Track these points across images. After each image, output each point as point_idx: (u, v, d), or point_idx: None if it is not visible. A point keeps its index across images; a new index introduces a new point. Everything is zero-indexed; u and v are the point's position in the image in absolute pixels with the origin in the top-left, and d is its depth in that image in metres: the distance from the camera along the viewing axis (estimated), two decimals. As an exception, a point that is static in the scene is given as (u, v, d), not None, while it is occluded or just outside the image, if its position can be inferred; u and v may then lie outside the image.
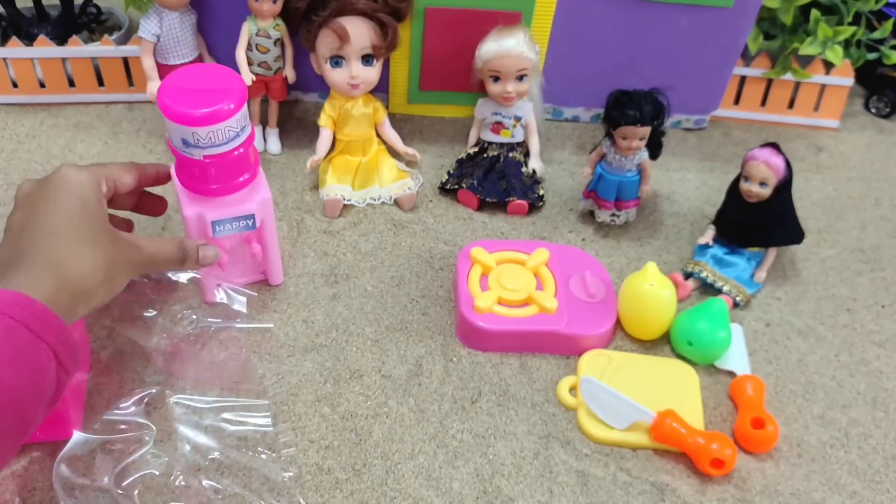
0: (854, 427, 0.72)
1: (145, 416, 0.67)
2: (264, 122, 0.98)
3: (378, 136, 0.94)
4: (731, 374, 0.76)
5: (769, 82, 1.06)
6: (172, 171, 0.72)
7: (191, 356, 0.72)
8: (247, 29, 0.90)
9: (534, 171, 0.93)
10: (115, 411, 0.67)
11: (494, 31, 0.88)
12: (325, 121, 0.91)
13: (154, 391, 0.69)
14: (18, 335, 0.50)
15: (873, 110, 1.13)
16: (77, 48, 0.99)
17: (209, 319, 0.74)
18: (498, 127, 0.92)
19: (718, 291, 0.83)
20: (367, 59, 0.88)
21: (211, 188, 0.70)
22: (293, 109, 1.05)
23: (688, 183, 0.99)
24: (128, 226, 0.74)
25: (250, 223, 0.73)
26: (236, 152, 0.69)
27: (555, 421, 0.71)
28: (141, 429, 0.66)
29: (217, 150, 0.67)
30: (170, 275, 0.75)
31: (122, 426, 0.66)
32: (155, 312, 0.73)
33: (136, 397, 0.68)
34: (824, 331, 0.81)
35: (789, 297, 0.85)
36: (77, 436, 0.65)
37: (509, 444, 0.69)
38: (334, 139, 0.92)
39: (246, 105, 0.68)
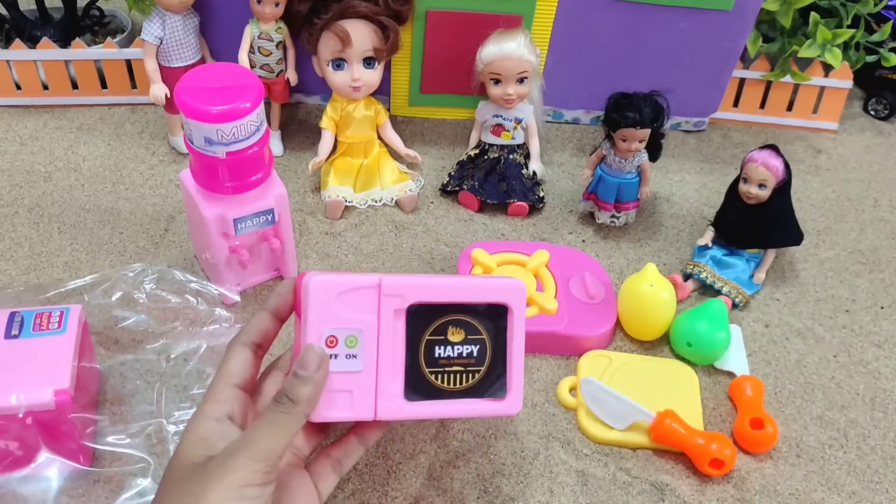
0: (853, 427, 0.73)
1: (144, 448, 0.65)
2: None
3: (379, 138, 0.95)
4: (731, 374, 0.76)
5: (768, 85, 1.06)
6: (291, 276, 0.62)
7: (196, 393, 0.70)
8: (249, 32, 0.91)
9: (534, 173, 0.93)
10: (112, 440, 0.66)
11: (495, 33, 0.88)
12: (326, 123, 0.91)
13: (153, 423, 0.67)
14: None
15: (872, 112, 1.14)
16: (80, 51, 1.00)
17: (198, 342, 0.73)
18: (498, 129, 0.93)
19: (718, 292, 0.83)
20: (368, 62, 0.89)
21: (233, 186, 0.71)
22: (295, 112, 1.05)
23: (687, 185, 0.99)
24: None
25: (270, 218, 0.75)
26: (256, 147, 0.70)
27: (555, 421, 0.71)
28: (136, 462, 0.64)
29: (239, 146, 0.69)
30: (171, 291, 0.75)
31: (120, 458, 0.65)
32: (158, 344, 0.73)
33: (135, 428, 0.67)
34: (823, 332, 0.82)
35: (788, 298, 0.85)
36: (80, 469, 0.63)
37: (510, 444, 0.69)
38: (336, 141, 0.93)
39: (262, 101, 0.69)
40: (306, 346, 0.47)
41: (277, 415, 0.45)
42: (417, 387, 0.49)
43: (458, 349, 0.50)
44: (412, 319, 0.48)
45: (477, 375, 0.50)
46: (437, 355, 0.49)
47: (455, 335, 0.50)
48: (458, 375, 0.50)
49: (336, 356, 0.47)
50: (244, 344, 0.51)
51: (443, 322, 0.49)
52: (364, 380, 0.47)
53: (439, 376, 0.50)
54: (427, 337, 0.49)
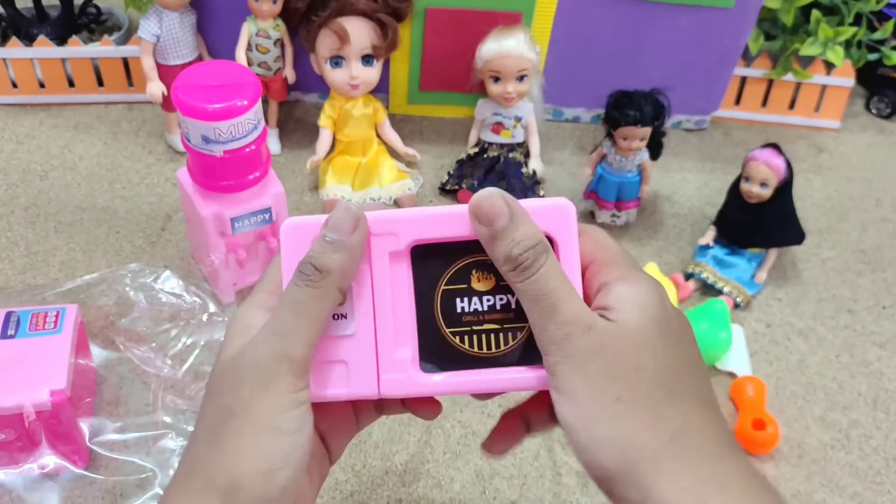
0: (855, 428, 0.72)
1: (151, 458, 0.64)
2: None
3: (378, 136, 0.94)
4: (732, 375, 0.76)
5: (770, 83, 1.06)
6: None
7: (194, 394, 0.69)
8: (247, 29, 0.90)
9: (534, 172, 0.93)
10: (109, 440, 0.65)
11: (495, 31, 0.87)
12: (324, 121, 0.91)
13: (150, 423, 0.66)
14: None
15: (874, 111, 1.13)
16: (77, 48, 0.99)
17: (195, 341, 0.72)
18: (498, 127, 0.92)
19: (719, 292, 0.82)
20: (366, 60, 0.88)
21: (230, 185, 0.71)
22: (293, 110, 1.04)
23: (688, 183, 0.99)
24: None
25: (267, 217, 0.74)
26: (253, 146, 0.70)
27: (555, 422, 0.71)
28: (144, 472, 0.63)
29: (236, 145, 0.68)
30: (168, 291, 0.75)
31: (128, 468, 0.64)
32: (163, 327, 0.72)
33: (133, 429, 0.66)
34: (825, 332, 0.81)
35: (790, 297, 0.85)
36: (78, 474, 0.62)
37: (509, 446, 0.69)
38: (334, 140, 0.92)
39: (259, 99, 0.69)
40: (338, 205, 0.36)
41: (301, 290, 0.35)
42: (438, 353, 0.37)
43: (489, 300, 0.37)
44: (419, 265, 0.37)
45: (520, 335, 0.37)
46: (459, 310, 0.37)
47: (481, 282, 0.37)
48: (492, 336, 0.37)
49: None
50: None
51: (462, 265, 0.37)
52: (360, 346, 0.37)
53: (466, 338, 0.37)
54: (443, 287, 0.37)
